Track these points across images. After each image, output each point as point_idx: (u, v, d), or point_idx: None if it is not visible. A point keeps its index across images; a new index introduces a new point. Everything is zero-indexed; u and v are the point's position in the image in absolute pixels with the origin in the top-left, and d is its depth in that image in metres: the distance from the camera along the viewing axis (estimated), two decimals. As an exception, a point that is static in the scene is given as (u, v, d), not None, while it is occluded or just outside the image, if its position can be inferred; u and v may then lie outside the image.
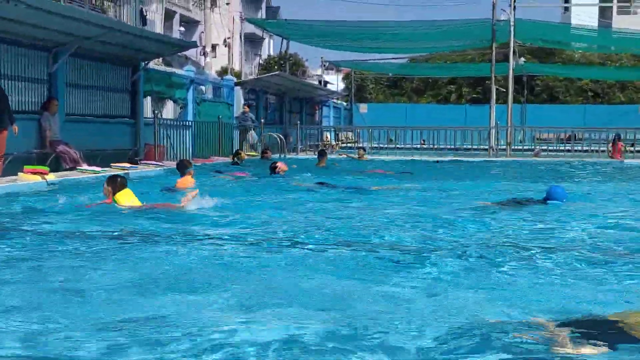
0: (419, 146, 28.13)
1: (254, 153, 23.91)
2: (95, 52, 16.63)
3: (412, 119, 44.38)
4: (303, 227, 7.54)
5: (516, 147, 29.50)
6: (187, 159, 17.18)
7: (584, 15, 46.40)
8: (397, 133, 30.02)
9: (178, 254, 5.94)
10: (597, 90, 50.22)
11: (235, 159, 19.55)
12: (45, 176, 12.19)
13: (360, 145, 28.26)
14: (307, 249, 6.26)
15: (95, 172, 14.02)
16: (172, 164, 17.72)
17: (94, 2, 29.01)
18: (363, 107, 49.22)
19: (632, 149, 26.80)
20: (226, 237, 6.90)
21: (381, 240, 6.68)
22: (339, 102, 46.76)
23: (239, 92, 26.48)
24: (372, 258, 5.82)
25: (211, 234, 7.10)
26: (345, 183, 13.22)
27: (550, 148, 28.38)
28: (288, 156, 25.60)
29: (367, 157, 24.06)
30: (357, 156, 23.52)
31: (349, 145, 32.81)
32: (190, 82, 22.45)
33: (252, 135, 25.66)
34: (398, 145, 28.64)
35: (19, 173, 12.53)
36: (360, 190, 11.99)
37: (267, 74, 31.55)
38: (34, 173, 12.37)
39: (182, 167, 11.95)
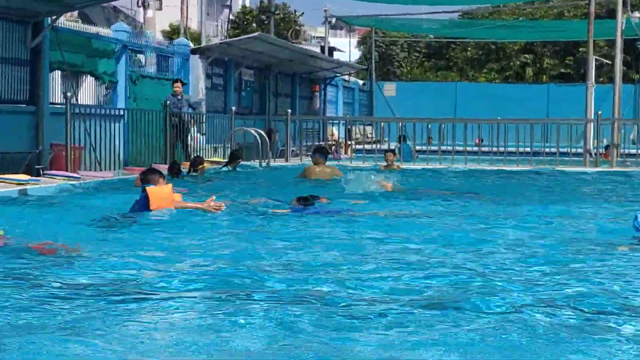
0: (475, 148, 28.06)
1: (216, 159, 23.83)
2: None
3: (465, 106, 44.35)
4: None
5: (627, 150, 29.38)
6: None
7: None
8: (441, 128, 29.94)
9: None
10: None
11: (193, 169, 19.46)
12: None
13: (391, 147, 28.13)
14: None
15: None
16: (95, 175, 17.76)
17: None
18: (389, 88, 49.33)
19: None
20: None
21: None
22: (352, 79, 46.81)
23: (197, 63, 26.50)
24: None
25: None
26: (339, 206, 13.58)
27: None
28: (274, 163, 25.51)
29: (400, 165, 24.04)
30: (384, 164, 23.51)
31: (366, 145, 32.73)
32: (121, 49, 22.37)
33: (192, 131, 24.99)
34: (443, 147, 28.55)
35: None
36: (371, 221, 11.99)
37: (242, 37, 31.54)
38: None
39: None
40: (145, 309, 6.63)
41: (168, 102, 23.13)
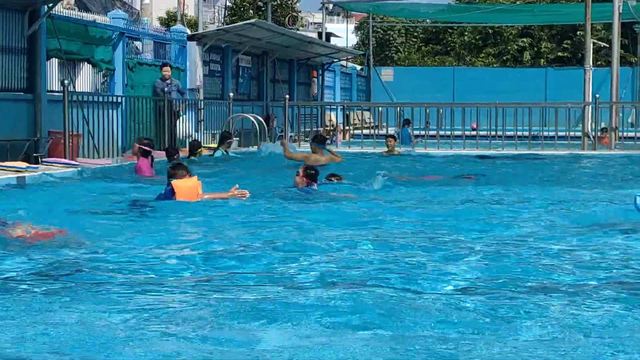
0: (471, 132, 28.08)
1: (213, 145, 23.79)
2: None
3: (463, 91, 44.32)
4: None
5: (626, 132, 29.36)
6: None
7: None
8: (439, 113, 29.90)
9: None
10: None
11: (191, 154, 19.49)
12: None
13: (391, 132, 28.07)
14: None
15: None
16: (93, 162, 17.73)
17: None
18: (387, 73, 49.32)
19: None
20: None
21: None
22: (349, 65, 46.76)
23: (194, 50, 26.44)
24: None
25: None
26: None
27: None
28: (268, 148, 25.48)
29: (400, 149, 24.09)
30: (385, 149, 23.56)
31: (364, 130, 32.69)
32: (118, 36, 22.32)
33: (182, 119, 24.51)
34: (442, 132, 28.53)
35: None
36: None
37: (239, 23, 31.47)
38: None
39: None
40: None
41: (156, 87, 23.18)
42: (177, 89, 23.67)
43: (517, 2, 50.06)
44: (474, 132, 28.29)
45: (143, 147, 16.09)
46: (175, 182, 11.49)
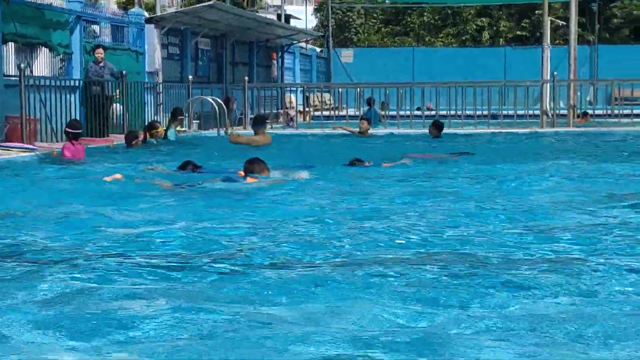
0: (425, 112, 28.26)
1: (180, 128, 23.68)
2: None
3: (423, 71, 44.43)
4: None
5: (585, 109, 29.57)
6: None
7: None
8: (399, 93, 29.96)
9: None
10: None
11: (149, 135, 19.43)
12: None
13: (364, 114, 28.03)
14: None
15: None
16: (52, 146, 17.63)
17: None
18: (347, 54, 49.34)
19: None
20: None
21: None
22: (309, 46, 46.73)
23: (152, 33, 26.32)
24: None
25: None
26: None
27: (636, 112, 28.49)
28: (227, 131, 25.47)
29: (373, 131, 24.26)
30: (358, 130, 23.69)
31: (324, 112, 32.69)
32: (75, 20, 22.17)
33: (116, 106, 23.25)
34: (402, 112, 28.62)
35: None
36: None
37: (198, 5, 31.35)
38: None
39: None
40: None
41: (89, 70, 22.34)
42: (111, 72, 22.62)
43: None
44: (433, 112, 28.41)
45: (66, 129, 16.31)
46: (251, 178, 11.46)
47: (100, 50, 22.46)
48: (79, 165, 15.03)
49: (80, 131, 16.56)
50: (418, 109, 29.02)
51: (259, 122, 20.78)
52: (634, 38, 51.38)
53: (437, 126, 22.87)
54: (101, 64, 22.37)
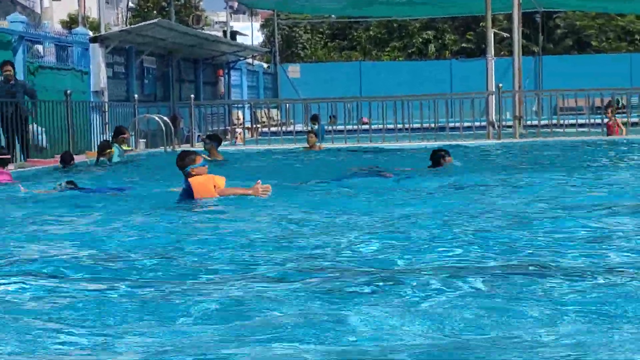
0: (362, 126, 28.45)
1: (126, 147, 23.50)
2: None
3: (370, 85, 44.55)
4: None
5: (529, 121, 29.79)
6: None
7: None
8: (345, 107, 30.05)
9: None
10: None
11: (100, 155, 19.47)
12: None
13: (310, 128, 28.01)
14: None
15: None
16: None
17: None
18: (294, 70, 49.29)
19: None
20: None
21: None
22: (256, 63, 46.68)
23: (97, 52, 26.18)
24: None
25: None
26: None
27: (580, 122, 28.70)
28: (179, 148, 25.36)
29: (322, 145, 24.31)
30: (306, 145, 23.68)
31: (272, 128, 32.67)
32: (18, 40, 22.01)
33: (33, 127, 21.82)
34: (349, 127, 28.67)
35: None
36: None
37: (142, 23, 31.22)
38: None
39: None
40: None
41: None
42: (24, 89, 21.17)
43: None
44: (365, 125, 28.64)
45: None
46: (192, 180, 11.41)
47: (9, 67, 20.66)
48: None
49: (7, 157, 16.49)
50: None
51: (214, 140, 20.84)
52: (577, 48, 51.93)
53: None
54: (11, 82, 20.67)
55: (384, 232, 9.26)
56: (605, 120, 27.69)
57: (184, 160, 11.70)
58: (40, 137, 21.87)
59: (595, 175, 15.30)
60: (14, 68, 20.97)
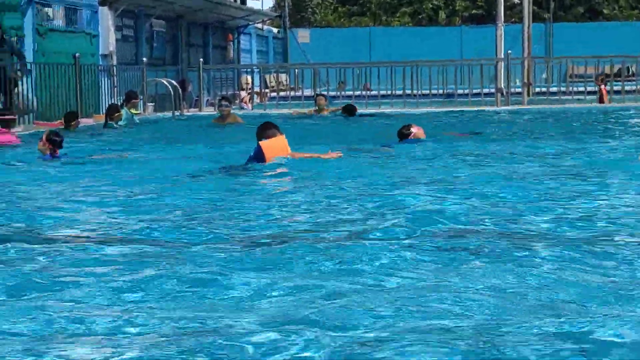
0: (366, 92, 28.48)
1: (135, 111, 23.49)
2: None
3: (380, 51, 44.47)
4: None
5: (539, 88, 29.78)
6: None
7: None
8: (354, 73, 29.99)
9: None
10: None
11: (109, 118, 19.51)
12: None
13: (320, 91, 27.86)
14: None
15: None
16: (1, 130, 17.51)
17: None
18: (303, 35, 49.23)
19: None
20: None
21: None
22: (265, 27, 46.59)
23: (106, 15, 26.14)
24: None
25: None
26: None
27: (589, 89, 28.67)
28: (187, 113, 25.49)
29: (331, 108, 24.15)
30: (314, 109, 23.60)
31: (281, 92, 32.68)
32: (27, 2, 21.99)
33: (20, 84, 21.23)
34: (357, 92, 28.65)
35: None
36: None
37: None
38: None
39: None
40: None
41: None
42: (12, 51, 21.12)
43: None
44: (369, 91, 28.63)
45: None
46: (262, 143, 11.01)
47: None
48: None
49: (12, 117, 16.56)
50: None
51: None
52: (588, 16, 51.71)
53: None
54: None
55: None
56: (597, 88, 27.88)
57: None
58: (29, 99, 21.52)
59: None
60: (1, 28, 20.65)
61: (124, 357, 3.95)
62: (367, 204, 8.49)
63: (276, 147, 11.10)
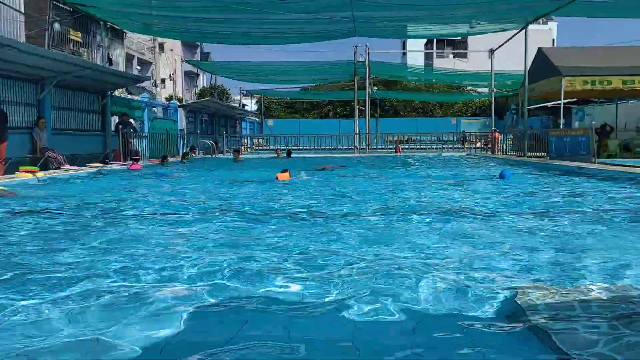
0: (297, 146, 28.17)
1: (194, 155, 22.94)
2: (74, 83, 15.92)
3: (303, 129, 44.65)
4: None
5: (373, 147, 30.11)
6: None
7: (416, 58, 47.92)
8: (293, 139, 29.96)
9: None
10: (425, 107, 52.15)
11: (184, 158, 19.31)
12: (36, 174, 11.61)
13: (277, 147, 26.95)
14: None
15: (75, 170, 13.46)
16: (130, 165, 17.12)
17: (72, 47, 27.95)
18: (270, 122, 48.98)
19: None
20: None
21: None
22: (253, 118, 46.34)
23: (181, 112, 25.83)
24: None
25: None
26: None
27: (391, 147, 28.94)
28: (218, 156, 25.32)
29: (282, 154, 22.47)
30: (276, 155, 23.16)
31: (260, 148, 32.39)
32: (145, 105, 21.73)
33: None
34: (293, 147, 28.46)
35: (16, 172, 11.88)
36: None
37: (201, 99, 30.85)
38: (27, 172, 11.76)
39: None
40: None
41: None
42: (133, 128, 18.71)
43: (326, 90, 49.50)
44: (279, 154, 28.09)
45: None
46: (278, 175, 10.89)
47: (127, 116, 18.16)
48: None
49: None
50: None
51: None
52: (394, 114, 52.08)
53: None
54: (125, 122, 17.77)
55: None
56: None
57: (284, 172, 11.34)
58: (136, 147, 20.38)
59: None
60: (130, 116, 19.40)
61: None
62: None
63: (283, 176, 11.10)
